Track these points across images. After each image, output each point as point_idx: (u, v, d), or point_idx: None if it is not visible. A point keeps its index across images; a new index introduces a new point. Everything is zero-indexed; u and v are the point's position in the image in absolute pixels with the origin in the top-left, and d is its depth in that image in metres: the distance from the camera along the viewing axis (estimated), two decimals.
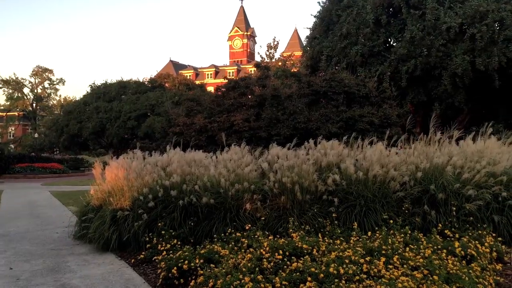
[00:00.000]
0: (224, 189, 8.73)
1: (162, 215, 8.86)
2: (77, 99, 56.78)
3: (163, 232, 8.42)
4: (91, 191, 10.77)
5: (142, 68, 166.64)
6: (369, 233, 7.81)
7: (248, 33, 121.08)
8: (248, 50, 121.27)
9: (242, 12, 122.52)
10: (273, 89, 13.74)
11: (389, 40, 20.14)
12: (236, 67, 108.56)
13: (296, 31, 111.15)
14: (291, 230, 7.96)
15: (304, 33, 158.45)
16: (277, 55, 66.29)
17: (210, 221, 8.68)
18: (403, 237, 7.46)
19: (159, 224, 8.65)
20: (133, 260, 8.31)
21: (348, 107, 13.94)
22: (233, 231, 8.19)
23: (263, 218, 8.38)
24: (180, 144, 10.75)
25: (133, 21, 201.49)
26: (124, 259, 8.66)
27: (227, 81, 16.21)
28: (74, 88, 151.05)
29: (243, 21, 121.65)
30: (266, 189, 8.74)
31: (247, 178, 8.85)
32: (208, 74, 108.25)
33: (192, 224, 8.61)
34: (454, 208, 8.27)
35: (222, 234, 8.16)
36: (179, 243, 8.20)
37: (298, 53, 71.97)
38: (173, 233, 8.42)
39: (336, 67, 19.41)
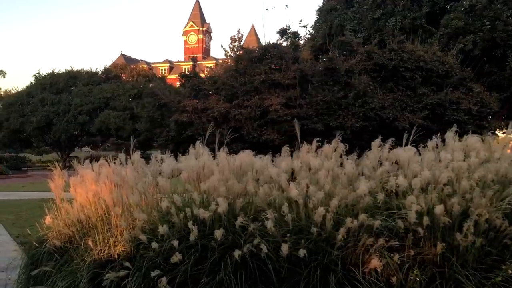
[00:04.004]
0: (321, 228, 4.50)
1: (199, 277, 4.52)
2: (19, 90, 50.13)
3: None
4: (46, 219, 6.21)
5: (91, 62, 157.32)
6: None
7: (204, 29, 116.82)
8: (204, 45, 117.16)
9: (197, 7, 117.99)
10: (328, 60, 9.60)
11: (435, 11, 16.26)
12: (191, 63, 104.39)
13: (253, 27, 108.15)
14: None
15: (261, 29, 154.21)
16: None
17: None
18: None
19: None
20: None
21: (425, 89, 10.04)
22: None
23: None
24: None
25: (80, 12, 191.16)
26: None
27: (242, 51, 11.69)
28: (15, 82, 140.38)
29: (198, 16, 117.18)
30: (399, 229, 4.56)
31: (362, 206, 4.66)
32: (162, 70, 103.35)
33: None
34: None
35: None
36: None
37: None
38: None
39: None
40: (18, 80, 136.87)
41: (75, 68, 48.61)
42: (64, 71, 47.40)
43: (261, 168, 5.09)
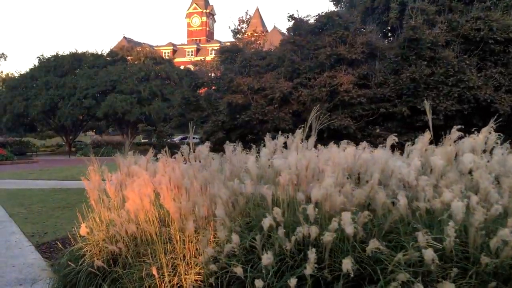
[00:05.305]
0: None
1: None
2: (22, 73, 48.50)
3: None
4: (81, 229, 4.83)
5: (93, 45, 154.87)
6: None
7: (207, 11, 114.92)
8: (207, 28, 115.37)
9: None
10: (411, 29, 8.05)
11: None
12: (195, 46, 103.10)
13: (257, 10, 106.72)
14: None
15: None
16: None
17: None
18: None
19: None
20: None
21: None
22: None
23: None
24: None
25: None
26: None
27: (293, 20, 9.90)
28: (16, 65, 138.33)
29: None
30: None
31: None
32: (165, 53, 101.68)
33: None
34: None
35: None
36: None
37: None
38: None
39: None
40: (19, 64, 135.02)
41: (79, 51, 47.06)
42: (68, 53, 45.82)
43: (397, 170, 3.66)
